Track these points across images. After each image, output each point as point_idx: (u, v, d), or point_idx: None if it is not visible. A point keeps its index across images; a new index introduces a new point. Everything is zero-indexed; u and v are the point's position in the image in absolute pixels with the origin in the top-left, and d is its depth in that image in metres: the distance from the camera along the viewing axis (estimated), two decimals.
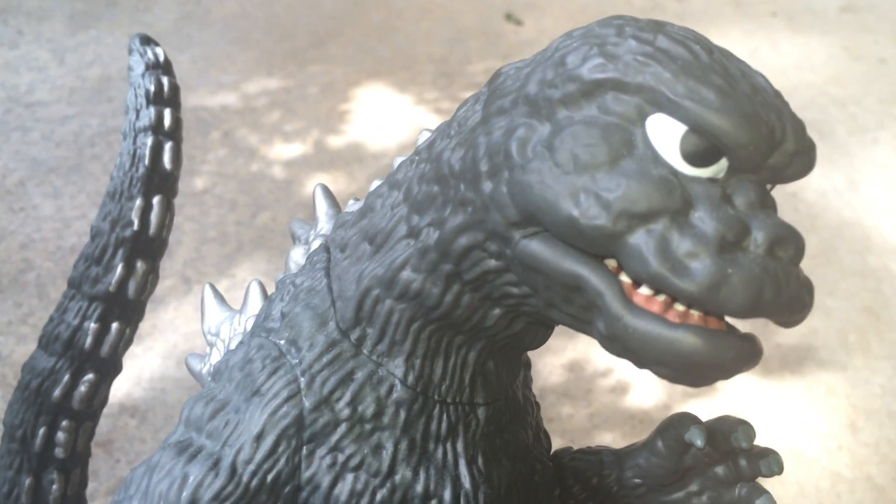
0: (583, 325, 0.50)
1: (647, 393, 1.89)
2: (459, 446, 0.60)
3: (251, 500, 0.55)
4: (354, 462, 0.57)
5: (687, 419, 0.66)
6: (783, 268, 0.45)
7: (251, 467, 0.55)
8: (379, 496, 0.57)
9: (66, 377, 0.83)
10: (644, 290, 0.47)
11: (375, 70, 3.07)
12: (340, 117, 2.79)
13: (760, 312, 0.45)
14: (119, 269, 0.80)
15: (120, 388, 1.84)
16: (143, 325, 2.00)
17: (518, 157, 0.48)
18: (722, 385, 1.90)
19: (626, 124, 0.47)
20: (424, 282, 0.55)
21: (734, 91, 0.46)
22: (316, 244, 0.69)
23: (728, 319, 0.48)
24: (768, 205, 0.48)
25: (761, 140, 0.46)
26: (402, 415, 0.57)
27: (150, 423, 1.78)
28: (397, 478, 0.57)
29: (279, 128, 2.73)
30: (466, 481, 0.59)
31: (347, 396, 0.57)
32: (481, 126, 0.52)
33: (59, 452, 0.86)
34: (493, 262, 0.52)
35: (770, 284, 0.44)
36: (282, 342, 0.59)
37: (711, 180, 0.47)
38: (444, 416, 0.59)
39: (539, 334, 0.58)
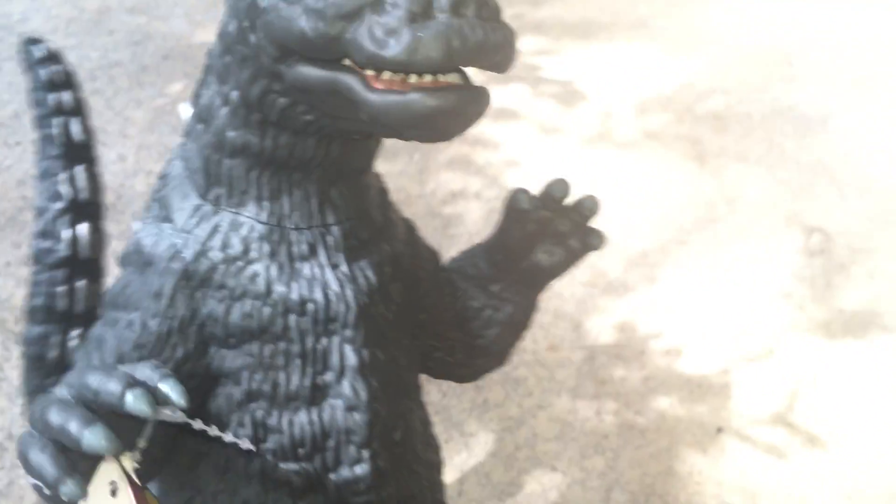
0: (358, 124, 0.60)
1: (703, 356, 1.76)
2: (322, 259, 0.70)
3: (164, 343, 0.68)
4: (238, 292, 0.68)
5: (517, 192, 0.79)
6: (468, 21, 0.54)
7: (157, 318, 0.67)
8: (264, 312, 0.68)
9: (57, 338, 0.91)
10: (383, 77, 0.56)
11: None
12: None
13: (458, 60, 0.54)
14: (65, 235, 0.89)
15: None
16: None
17: (262, 3, 0.59)
18: (782, 349, 1.77)
19: None
20: (245, 135, 0.65)
21: None
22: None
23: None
24: None
25: None
26: (266, 246, 0.68)
27: None
28: (274, 295, 0.68)
29: None
30: (334, 284, 0.70)
31: (217, 243, 0.68)
32: None
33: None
34: (283, 100, 0.62)
35: (455, 36, 0.53)
36: (158, 221, 0.71)
37: None
38: (303, 239, 0.69)
39: (358, 154, 0.69)
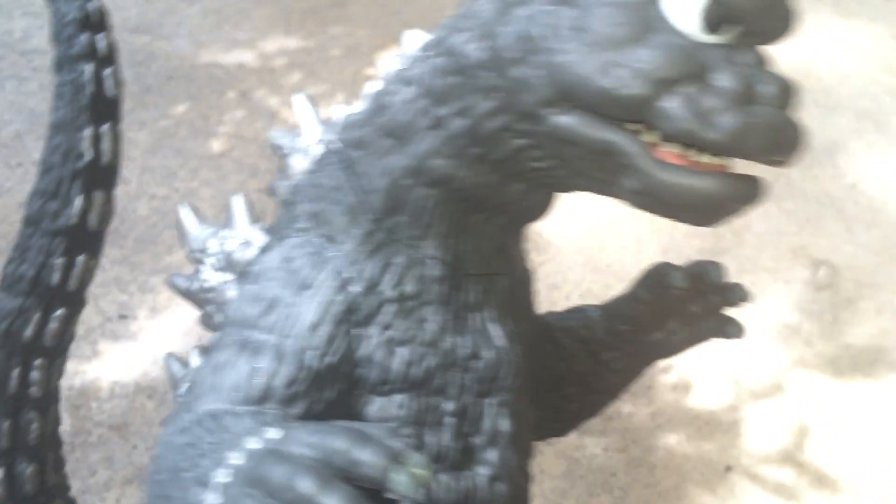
0: (607, 186, 0.57)
1: (712, 392, 1.74)
2: (488, 313, 0.66)
3: (317, 382, 0.59)
4: (405, 336, 0.62)
5: (667, 267, 0.77)
6: (787, 114, 0.52)
7: (313, 353, 0.60)
8: (429, 363, 0.63)
9: (37, 315, 0.81)
10: (664, 148, 0.53)
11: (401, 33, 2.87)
12: (366, 82, 2.60)
13: (772, 153, 0.52)
14: (78, 201, 0.78)
15: (135, 367, 1.65)
16: (159, 298, 1.82)
17: (547, 41, 0.53)
18: (790, 386, 1.76)
19: (646, 2, 0.52)
20: (454, 166, 0.60)
21: None
22: (317, 149, 0.70)
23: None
24: (765, 62, 0.54)
25: (768, 7, 0.53)
26: (441, 290, 0.63)
27: (170, 404, 1.59)
28: (443, 344, 0.63)
29: (301, 90, 2.53)
30: (500, 341, 0.66)
31: (391, 280, 0.62)
32: (500, 17, 0.56)
33: (34, 392, 0.85)
34: (521, 141, 0.57)
35: (780, 129, 0.52)
36: (318, 239, 0.64)
37: (721, 44, 0.53)
38: (475, 288, 0.65)
39: (545, 205, 0.65)
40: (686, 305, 0.78)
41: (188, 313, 1.77)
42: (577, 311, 0.82)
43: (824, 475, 1.60)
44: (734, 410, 1.71)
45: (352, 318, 0.61)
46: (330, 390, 0.60)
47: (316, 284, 0.62)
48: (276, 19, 2.89)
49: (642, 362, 0.83)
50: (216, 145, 2.27)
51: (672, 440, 1.65)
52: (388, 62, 0.69)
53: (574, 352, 0.80)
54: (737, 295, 0.77)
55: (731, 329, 0.78)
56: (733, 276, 0.78)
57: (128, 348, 1.70)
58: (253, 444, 0.46)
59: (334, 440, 0.44)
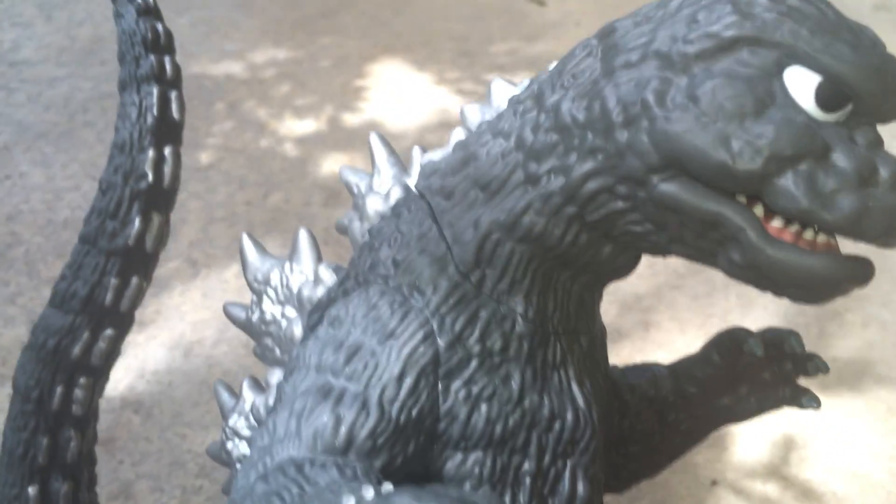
0: (706, 256, 0.56)
1: None
2: (571, 371, 0.65)
3: (400, 434, 0.58)
4: (488, 392, 0.61)
5: (743, 333, 0.75)
6: None
7: (398, 404, 0.59)
8: (511, 421, 0.62)
9: (86, 334, 0.82)
10: (776, 223, 0.53)
11: (391, 45, 2.88)
12: (356, 93, 2.60)
13: (892, 238, 0.52)
14: (137, 222, 0.79)
15: (121, 381, 1.65)
16: (146, 311, 1.81)
17: (658, 107, 0.53)
18: None
19: (765, 76, 0.52)
20: (547, 224, 0.59)
21: (861, 45, 0.52)
22: (396, 192, 0.70)
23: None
24: (881, 143, 0.54)
25: (886, 87, 0.52)
26: (526, 346, 0.63)
27: (156, 419, 1.59)
28: (526, 403, 0.62)
29: (290, 102, 2.53)
30: (581, 401, 0.65)
31: (476, 334, 0.62)
32: (605, 79, 0.56)
33: (76, 410, 0.85)
34: (620, 204, 0.56)
35: None
36: (403, 287, 0.63)
37: (838, 123, 0.52)
38: (558, 346, 0.64)
39: (632, 265, 0.64)
40: (759, 372, 0.77)
41: (174, 329, 1.77)
42: (644, 369, 0.81)
43: (810, 489, 1.60)
44: None
45: (437, 370, 0.60)
46: (412, 443, 0.59)
47: (401, 334, 0.61)
48: (266, 30, 2.89)
49: (709, 426, 0.80)
50: (204, 157, 2.27)
51: None
52: (471, 110, 0.69)
53: (639, 410, 0.78)
54: (815, 366, 0.76)
55: (806, 400, 0.78)
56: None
57: None
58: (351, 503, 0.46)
59: None
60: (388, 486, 0.47)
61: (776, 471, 1.63)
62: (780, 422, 1.72)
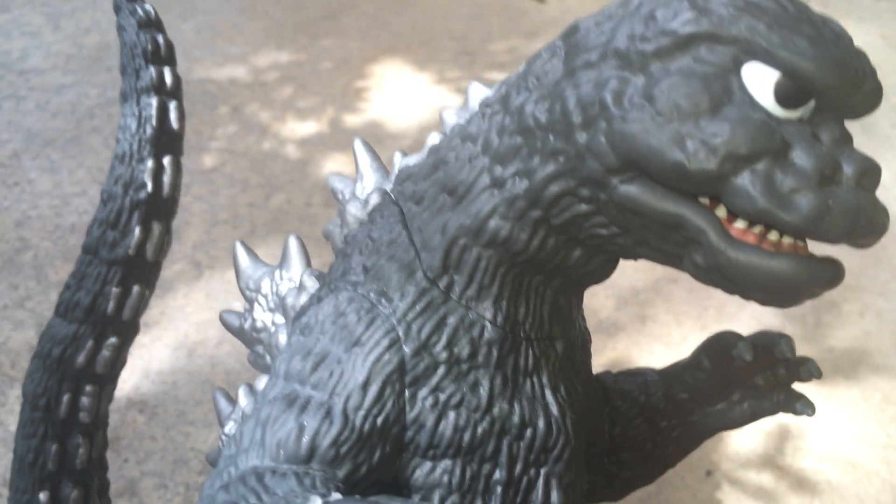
0: (671, 258, 0.55)
1: None
2: (544, 378, 0.64)
3: (364, 443, 0.58)
4: (455, 400, 0.60)
5: (732, 337, 0.72)
6: (870, 197, 0.50)
7: (362, 412, 0.58)
8: (480, 429, 0.61)
9: (90, 343, 0.83)
10: (738, 224, 0.51)
11: (392, 45, 2.91)
12: (357, 94, 2.63)
13: (853, 238, 0.50)
14: (137, 231, 0.80)
15: (127, 381, 1.69)
16: (151, 313, 1.85)
17: (615, 107, 0.51)
18: None
19: (722, 73, 0.50)
20: (512, 228, 0.58)
21: (822, 38, 0.50)
22: (374, 198, 0.69)
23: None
24: (848, 139, 0.52)
25: (848, 82, 0.50)
26: (495, 353, 0.62)
27: (161, 419, 1.64)
28: (495, 411, 0.61)
29: (292, 104, 2.56)
30: (555, 409, 0.64)
31: (444, 340, 0.61)
32: (566, 79, 0.55)
33: (83, 417, 0.87)
34: (583, 207, 0.55)
35: (863, 213, 0.49)
36: (371, 294, 0.62)
37: (800, 120, 0.51)
38: (530, 352, 0.63)
39: (608, 269, 0.62)
40: (751, 377, 0.75)
41: (178, 329, 1.81)
42: (636, 374, 0.79)
43: (804, 478, 1.61)
44: None
45: (403, 378, 0.59)
46: (378, 452, 0.58)
47: (367, 342, 0.60)
48: (269, 33, 2.93)
49: (702, 432, 0.78)
50: (208, 160, 2.31)
51: None
52: (449, 115, 0.69)
53: (630, 417, 0.76)
54: (807, 370, 0.74)
55: (801, 406, 0.75)
56: None
57: None
58: None
59: None
60: (335, 496, 0.49)
61: (771, 460, 1.65)
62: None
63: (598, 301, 1.94)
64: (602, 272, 0.62)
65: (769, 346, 0.73)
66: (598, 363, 1.82)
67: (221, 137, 2.40)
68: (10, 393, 1.63)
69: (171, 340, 1.79)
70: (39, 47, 2.75)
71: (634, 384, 0.78)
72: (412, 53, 2.87)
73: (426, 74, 2.76)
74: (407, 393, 0.60)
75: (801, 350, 1.90)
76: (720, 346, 0.73)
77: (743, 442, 1.67)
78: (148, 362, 1.73)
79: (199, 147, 2.34)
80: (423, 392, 0.60)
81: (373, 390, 0.58)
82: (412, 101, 2.62)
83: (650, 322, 1.94)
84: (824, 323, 1.95)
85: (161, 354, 1.76)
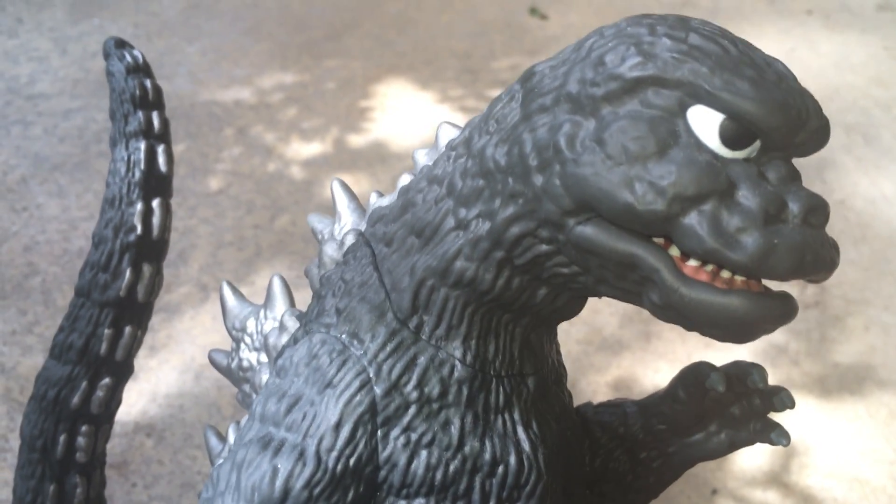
0: (632, 296, 0.56)
1: None
2: (516, 415, 0.65)
3: (337, 484, 0.59)
4: (427, 439, 0.62)
5: (706, 367, 0.73)
6: (817, 233, 0.51)
7: (334, 454, 0.59)
8: (452, 467, 0.62)
9: (84, 384, 0.85)
10: (692, 262, 0.53)
11: (395, 64, 2.93)
12: (361, 114, 2.65)
13: (801, 275, 0.51)
14: (127, 274, 0.82)
15: (134, 405, 1.70)
16: (158, 336, 1.87)
17: (568, 151, 0.53)
18: None
19: (668, 116, 0.52)
20: (478, 269, 0.59)
21: (764, 80, 0.52)
22: (349, 239, 0.71)
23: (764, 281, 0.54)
24: (796, 177, 0.54)
25: (791, 122, 0.52)
26: (465, 392, 0.63)
27: (168, 442, 1.65)
28: (466, 449, 0.62)
29: (296, 125, 2.59)
30: (526, 445, 0.64)
31: (414, 380, 0.62)
32: (523, 123, 0.56)
33: (80, 457, 0.89)
34: (544, 247, 0.57)
35: (809, 250, 0.50)
36: (343, 336, 0.64)
37: (746, 160, 0.52)
38: (501, 389, 0.64)
39: (576, 306, 0.63)
40: (727, 408, 0.75)
41: (185, 353, 1.83)
42: (615, 406, 0.80)
43: (811, 495, 1.61)
44: None
45: (375, 418, 0.61)
46: (351, 492, 0.60)
47: (339, 383, 0.61)
48: (274, 54, 2.96)
49: (683, 463, 0.78)
50: (214, 183, 2.33)
51: None
52: (420, 156, 0.70)
53: (610, 449, 0.78)
54: (780, 400, 0.74)
55: (775, 436, 0.75)
56: None
57: (126, 387, 1.76)
58: None
59: None
60: None
61: (777, 478, 1.65)
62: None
63: (602, 319, 1.95)
64: (570, 309, 0.63)
65: (742, 377, 0.73)
66: (603, 381, 1.83)
67: (227, 159, 2.43)
68: (19, 419, 1.65)
69: (177, 363, 1.80)
70: (47, 72, 2.78)
71: (614, 416, 0.79)
72: (415, 72, 2.89)
73: (430, 93, 2.78)
74: (379, 433, 0.61)
75: (807, 365, 1.89)
76: (694, 377, 0.74)
77: (748, 459, 1.67)
78: (155, 386, 1.75)
79: (204, 169, 2.36)
80: (395, 432, 0.61)
81: (345, 431, 0.60)
82: (416, 119, 2.64)
83: (655, 339, 1.95)
84: (829, 338, 1.95)
85: (168, 378, 1.77)
